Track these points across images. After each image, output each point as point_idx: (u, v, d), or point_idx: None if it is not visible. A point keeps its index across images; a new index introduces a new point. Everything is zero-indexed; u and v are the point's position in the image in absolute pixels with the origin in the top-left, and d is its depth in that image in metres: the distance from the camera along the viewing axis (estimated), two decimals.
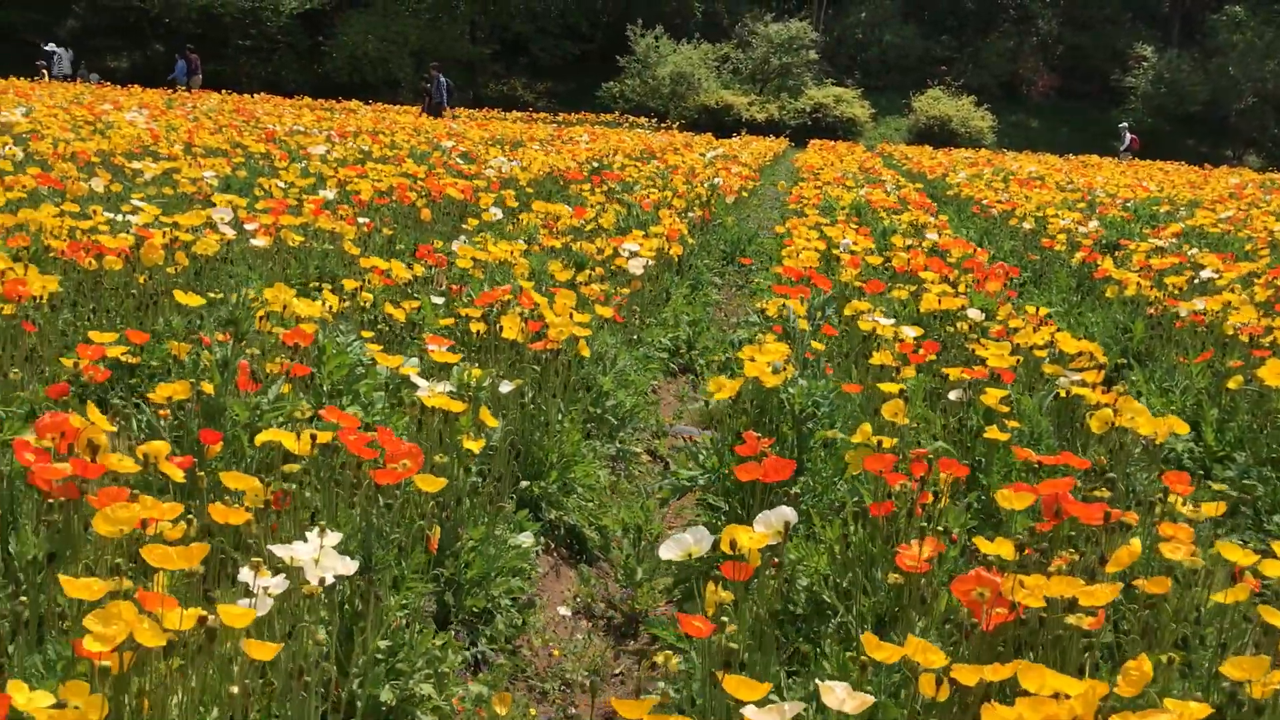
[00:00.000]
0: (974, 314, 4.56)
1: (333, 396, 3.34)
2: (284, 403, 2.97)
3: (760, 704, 1.52)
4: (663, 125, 34.00)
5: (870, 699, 1.51)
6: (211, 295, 3.59)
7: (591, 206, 7.41)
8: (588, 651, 3.05)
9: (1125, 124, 34.29)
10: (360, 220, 6.59)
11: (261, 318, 3.54)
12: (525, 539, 3.14)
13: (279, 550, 2.07)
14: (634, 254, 5.82)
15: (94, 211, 5.28)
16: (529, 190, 10.09)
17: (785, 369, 3.12)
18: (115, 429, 2.42)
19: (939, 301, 4.83)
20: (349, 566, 2.13)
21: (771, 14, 41.92)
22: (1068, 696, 1.48)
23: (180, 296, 3.33)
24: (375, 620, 2.31)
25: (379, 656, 2.36)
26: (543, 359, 3.74)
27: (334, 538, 2.14)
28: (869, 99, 40.21)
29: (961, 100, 40.43)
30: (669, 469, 4.19)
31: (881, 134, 39.21)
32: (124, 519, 1.93)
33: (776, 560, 2.33)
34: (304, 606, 2.06)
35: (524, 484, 3.53)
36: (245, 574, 1.87)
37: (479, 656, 2.81)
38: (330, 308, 3.81)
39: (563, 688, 2.89)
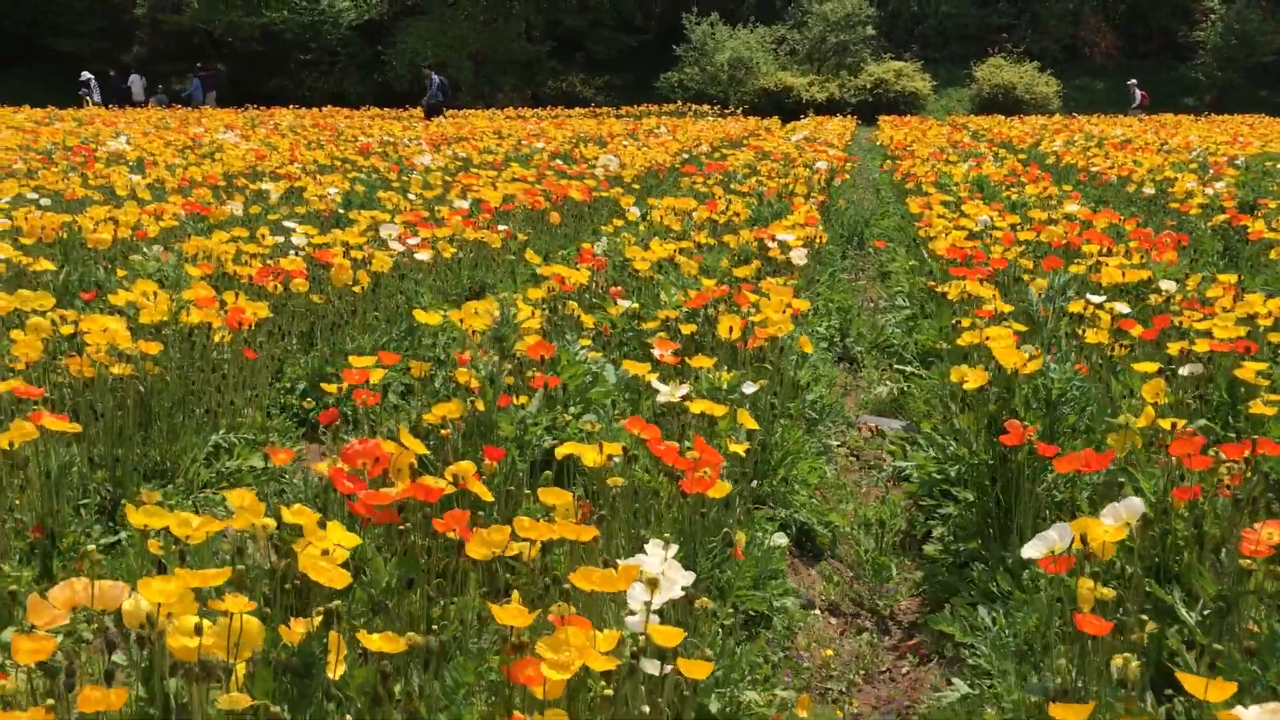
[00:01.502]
0: (1167, 285, 4.46)
1: (567, 405, 3.35)
2: (542, 416, 2.99)
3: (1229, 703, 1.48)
4: (725, 112, 33.82)
5: None
6: (445, 315, 3.62)
7: (720, 199, 7.38)
8: (858, 650, 3.03)
9: (1134, 81, 33.65)
10: (499, 228, 6.63)
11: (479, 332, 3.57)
12: (779, 539, 3.14)
13: (625, 565, 2.07)
14: (785, 244, 5.77)
15: (261, 236, 5.37)
16: (635, 186, 10.09)
17: (1036, 355, 3.07)
18: (428, 451, 2.45)
19: (1123, 275, 4.73)
20: (688, 577, 2.13)
21: None
22: None
23: (420, 315, 3.36)
24: (702, 629, 2.31)
25: None
26: (755, 358, 3.73)
27: (674, 549, 2.15)
28: (929, 71, 39.62)
29: (1024, 67, 39.64)
30: (885, 462, 4.16)
31: (944, 106, 38.62)
32: (497, 541, 1.95)
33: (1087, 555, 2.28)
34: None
35: (754, 483, 3.52)
36: (635, 591, 1.87)
37: (766, 659, 2.80)
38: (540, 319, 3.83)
39: (843, 688, 2.87)
